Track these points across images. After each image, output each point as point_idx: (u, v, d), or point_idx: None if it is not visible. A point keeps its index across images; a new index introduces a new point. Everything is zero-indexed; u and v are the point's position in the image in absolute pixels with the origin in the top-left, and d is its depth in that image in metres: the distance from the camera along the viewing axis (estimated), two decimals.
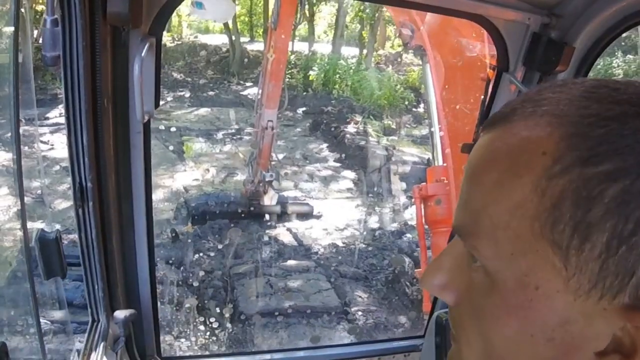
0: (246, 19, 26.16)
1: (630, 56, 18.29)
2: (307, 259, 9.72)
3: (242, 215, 10.19)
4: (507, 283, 0.58)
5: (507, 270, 0.58)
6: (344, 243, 10.42)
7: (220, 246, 9.68)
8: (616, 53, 17.55)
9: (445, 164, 5.02)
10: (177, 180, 12.44)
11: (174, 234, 9.79)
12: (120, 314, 1.89)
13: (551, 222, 0.54)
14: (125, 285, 2.01)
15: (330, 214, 11.46)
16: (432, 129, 5.35)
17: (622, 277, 0.52)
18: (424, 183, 5.37)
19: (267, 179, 9.78)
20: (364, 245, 10.35)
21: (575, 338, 0.56)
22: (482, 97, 2.24)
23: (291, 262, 9.51)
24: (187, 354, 7.33)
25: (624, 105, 0.54)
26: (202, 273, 8.86)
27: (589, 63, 1.97)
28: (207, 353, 7.61)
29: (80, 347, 1.83)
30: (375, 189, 12.86)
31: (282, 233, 10.52)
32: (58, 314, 5.65)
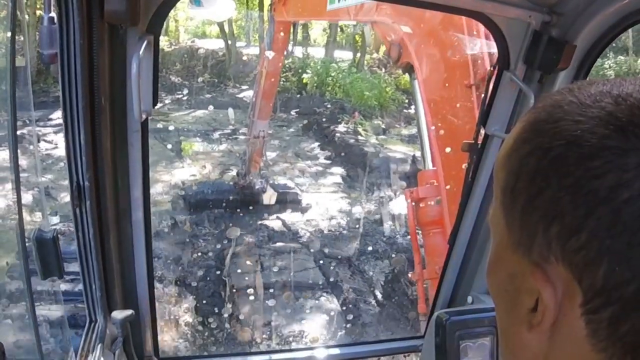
0: (242, 23, 26.31)
1: (622, 57, 18.43)
2: (295, 243, 10.70)
3: (237, 207, 10.97)
4: (492, 249, 0.72)
5: (492, 240, 0.73)
6: (329, 230, 11.47)
7: (215, 232, 10.62)
8: (608, 54, 17.69)
9: (435, 168, 5.12)
10: (176, 175, 13.23)
11: (173, 222, 10.69)
12: (118, 314, 1.87)
13: (503, 188, 0.67)
14: (122, 285, 2.00)
15: (318, 205, 12.38)
16: (422, 137, 5.51)
17: (531, 235, 0.62)
18: (415, 187, 5.49)
19: (257, 187, 10.79)
20: (347, 232, 11.44)
21: (517, 291, 0.65)
22: (483, 95, 2.23)
23: (280, 245, 10.43)
24: (186, 354, 7.42)
25: (568, 98, 0.64)
26: (198, 254, 9.87)
27: (590, 61, 1.96)
28: (205, 353, 7.75)
29: (78, 348, 1.81)
30: (362, 183, 13.76)
31: (273, 221, 11.38)
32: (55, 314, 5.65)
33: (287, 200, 11.74)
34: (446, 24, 4.67)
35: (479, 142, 2.30)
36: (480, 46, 4.45)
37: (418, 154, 11.14)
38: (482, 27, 4.39)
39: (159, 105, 1.84)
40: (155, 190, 11.88)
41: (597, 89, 0.63)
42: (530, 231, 0.62)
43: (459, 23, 4.52)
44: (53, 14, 1.50)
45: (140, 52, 1.58)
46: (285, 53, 9.54)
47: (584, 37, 1.89)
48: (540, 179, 0.61)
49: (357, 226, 11.60)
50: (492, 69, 2.17)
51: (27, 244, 1.82)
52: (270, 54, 8.98)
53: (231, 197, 10.88)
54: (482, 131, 2.23)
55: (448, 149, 4.55)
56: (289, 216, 11.66)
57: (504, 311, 0.70)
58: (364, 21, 6.68)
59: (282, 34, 9.10)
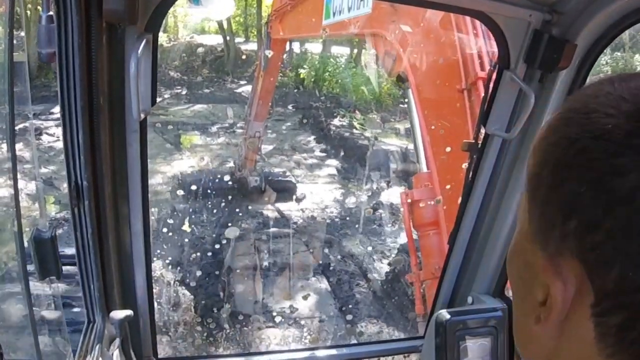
0: (241, 19, 26.39)
1: (618, 54, 18.50)
2: (289, 228, 11.17)
3: (234, 197, 11.40)
4: (517, 227, 0.71)
5: (518, 219, 0.71)
6: (322, 218, 12.00)
7: (213, 219, 11.08)
8: (604, 51, 17.78)
9: (429, 171, 5.21)
10: (175, 167, 13.78)
11: (172, 209, 11.25)
12: (117, 314, 1.86)
13: (529, 176, 0.66)
14: (121, 285, 1.99)
15: (313, 195, 12.95)
16: (416, 141, 5.64)
17: (549, 226, 0.61)
18: (411, 190, 5.59)
19: (252, 185, 11.28)
20: (339, 219, 11.97)
21: (531, 283, 0.64)
22: (483, 95, 2.23)
23: (274, 230, 10.92)
24: (184, 354, 7.44)
25: (605, 89, 0.62)
26: (195, 239, 10.39)
27: (591, 60, 1.95)
28: (204, 354, 7.78)
29: (76, 348, 1.80)
30: (355, 175, 14.28)
31: (268, 208, 11.93)
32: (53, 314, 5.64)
33: (284, 189, 12.16)
34: (438, 31, 4.77)
35: (479, 141, 2.29)
36: (471, 50, 4.52)
37: (411, 146, 11.44)
38: (472, 33, 4.48)
39: (158, 99, 1.83)
40: (155, 180, 12.46)
41: (637, 83, 0.60)
42: (549, 222, 0.60)
43: (451, 30, 4.61)
44: (51, 13, 1.49)
45: (139, 51, 1.57)
46: (280, 63, 9.88)
47: (585, 36, 1.89)
48: (564, 170, 0.59)
49: (349, 215, 12.10)
50: (492, 68, 2.17)
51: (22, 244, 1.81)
52: (267, 56, 9.26)
53: (228, 188, 11.27)
54: (483, 131, 2.22)
55: (448, 149, 4.60)
56: (285, 205, 12.14)
57: (519, 300, 0.69)
58: (360, 34, 6.77)
59: (277, 48, 9.53)
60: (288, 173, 13.27)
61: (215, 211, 11.10)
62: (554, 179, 0.60)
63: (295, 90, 20.38)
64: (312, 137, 16.98)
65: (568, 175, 0.58)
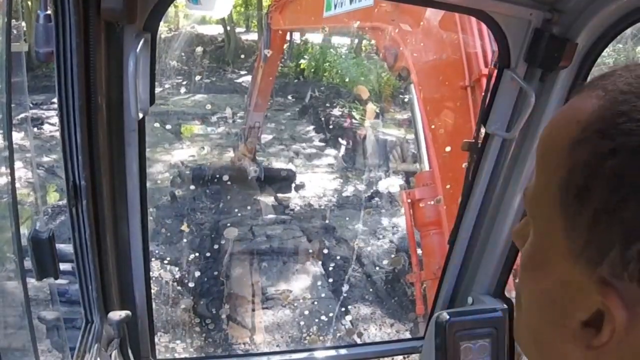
0: (242, 9, 26.38)
1: (620, 45, 18.52)
2: (286, 215, 11.52)
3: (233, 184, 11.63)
4: (535, 245, 0.63)
5: (535, 234, 0.63)
6: (319, 205, 12.33)
7: (212, 205, 11.40)
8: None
9: (431, 170, 5.21)
10: (176, 156, 14.07)
11: (172, 195, 11.62)
12: (115, 315, 1.85)
13: (565, 188, 0.56)
14: (119, 285, 1.98)
15: (311, 183, 13.26)
16: (419, 139, 5.64)
17: (603, 248, 0.53)
18: (412, 189, 5.60)
19: (251, 175, 11.46)
20: (336, 207, 12.30)
21: (570, 303, 0.57)
22: (483, 94, 2.22)
23: (271, 216, 11.24)
24: (182, 355, 7.45)
25: None
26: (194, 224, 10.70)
27: (592, 59, 1.94)
28: (203, 355, 7.80)
29: (74, 349, 1.79)
30: (353, 164, 14.56)
31: (266, 196, 12.15)
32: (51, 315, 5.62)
33: (283, 178, 12.44)
34: (441, 27, 4.76)
35: (480, 141, 2.28)
36: (475, 47, 4.51)
37: (409, 137, 12.14)
38: (476, 29, 4.46)
39: (159, 89, 1.83)
40: (156, 169, 12.81)
41: None
42: (603, 244, 0.53)
43: (454, 26, 4.59)
44: (49, 12, 1.48)
45: (137, 51, 1.57)
46: (280, 56, 9.98)
47: (586, 35, 1.88)
48: (626, 187, 0.51)
49: (347, 202, 12.42)
50: (493, 67, 2.16)
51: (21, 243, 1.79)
52: (266, 54, 9.31)
53: (227, 177, 11.43)
54: (483, 130, 2.21)
55: (448, 148, 4.59)
56: (284, 194, 12.42)
57: (547, 322, 0.62)
58: (361, 27, 6.78)
59: (277, 40, 9.65)
60: (287, 162, 13.58)
61: (214, 199, 11.34)
62: (612, 197, 0.52)
63: (295, 81, 20.51)
64: (311, 127, 17.20)
65: (632, 193, 0.51)
